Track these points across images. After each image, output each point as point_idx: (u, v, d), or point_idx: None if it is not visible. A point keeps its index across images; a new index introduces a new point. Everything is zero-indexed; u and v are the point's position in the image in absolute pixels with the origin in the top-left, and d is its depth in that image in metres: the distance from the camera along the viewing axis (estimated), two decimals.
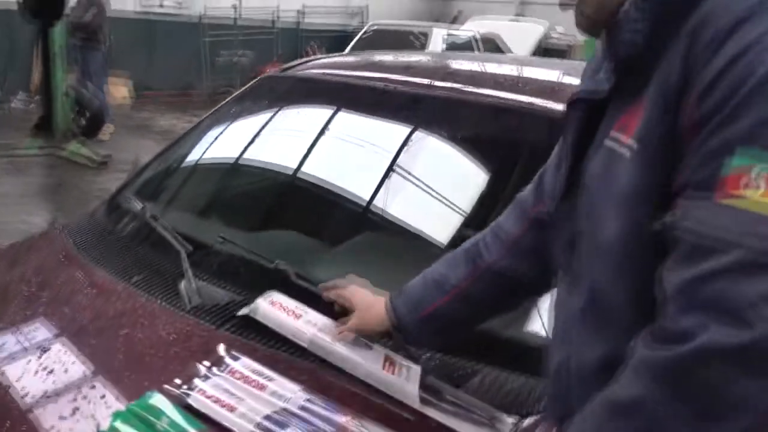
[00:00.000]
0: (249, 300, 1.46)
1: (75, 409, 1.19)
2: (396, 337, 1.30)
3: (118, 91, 9.45)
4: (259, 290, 1.48)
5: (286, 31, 12.46)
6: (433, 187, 1.82)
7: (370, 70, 2.17)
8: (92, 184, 5.98)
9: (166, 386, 1.22)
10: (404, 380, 1.25)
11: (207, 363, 1.28)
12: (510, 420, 1.19)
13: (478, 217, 1.63)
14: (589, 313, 0.88)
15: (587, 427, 0.79)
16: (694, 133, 0.74)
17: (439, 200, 1.77)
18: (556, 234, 0.99)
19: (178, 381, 1.23)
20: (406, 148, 1.87)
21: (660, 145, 0.78)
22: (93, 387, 1.25)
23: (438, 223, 1.70)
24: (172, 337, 1.38)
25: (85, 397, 1.22)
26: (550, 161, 1.15)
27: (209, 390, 1.20)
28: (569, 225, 0.92)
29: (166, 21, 10.89)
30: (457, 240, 1.58)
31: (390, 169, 1.81)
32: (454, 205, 1.77)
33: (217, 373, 1.26)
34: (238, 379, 1.24)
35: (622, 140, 0.83)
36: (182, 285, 1.54)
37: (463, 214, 1.73)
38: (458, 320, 1.26)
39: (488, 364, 1.34)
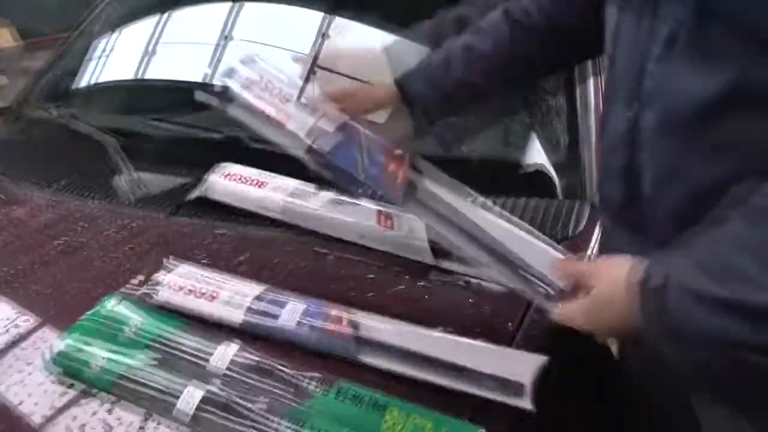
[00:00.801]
0: (201, 180, 1.23)
1: (12, 344, 0.94)
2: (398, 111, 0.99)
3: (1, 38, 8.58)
4: (211, 167, 1.24)
5: None
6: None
7: None
8: None
9: (125, 289, 0.99)
10: (408, 234, 1.04)
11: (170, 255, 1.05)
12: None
13: None
14: (686, 41, 0.65)
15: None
16: None
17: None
18: None
19: (139, 279, 1.00)
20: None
21: None
22: (33, 314, 1.01)
23: None
24: (122, 235, 1.14)
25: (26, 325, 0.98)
26: None
27: (180, 281, 0.97)
28: None
29: None
30: None
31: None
32: None
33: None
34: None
35: None
36: (121, 178, 1.29)
37: None
38: (493, 85, 0.99)
39: (497, 194, 1.14)
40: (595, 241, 1.04)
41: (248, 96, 0.96)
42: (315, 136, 0.92)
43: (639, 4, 0.70)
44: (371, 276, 1.01)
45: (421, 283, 0.98)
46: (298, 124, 0.93)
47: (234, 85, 0.97)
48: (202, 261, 1.05)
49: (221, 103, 0.97)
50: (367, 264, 1.03)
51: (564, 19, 0.92)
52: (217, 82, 0.99)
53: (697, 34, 0.63)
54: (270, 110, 0.95)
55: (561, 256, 0.84)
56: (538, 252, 0.85)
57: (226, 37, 1.69)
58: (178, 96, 1.65)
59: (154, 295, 0.95)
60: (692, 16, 0.63)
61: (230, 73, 0.99)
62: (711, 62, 0.63)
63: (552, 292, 0.81)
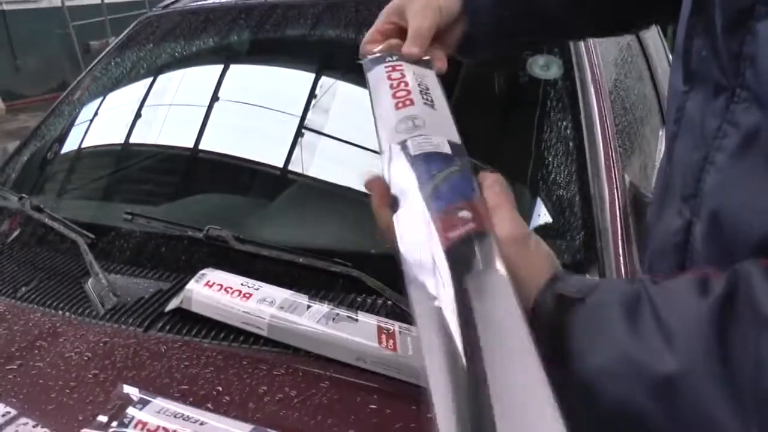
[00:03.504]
0: (180, 285, 1.10)
1: None
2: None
3: None
4: (191, 270, 1.11)
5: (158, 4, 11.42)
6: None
7: None
8: None
9: (86, 431, 0.84)
10: (414, 356, 0.91)
11: (139, 383, 0.91)
12: None
13: None
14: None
15: None
16: None
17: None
18: None
19: (103, 419, 0.86)
20: (331, 68, 1.51)
21: None
22: None
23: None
24: (86, 357, 1.00)
25: None
26: None
27: (151, 423, 0.83)
28: None
29: (21, 11, 9.69)
30: None
31: (311, 96, 1.44)
32: None
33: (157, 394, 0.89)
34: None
35: None
36: (89, 284, 1.15)
37: None
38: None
39: None
40: None
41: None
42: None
43: (714, 81, 0.54)
44: (373, 406, 0.88)
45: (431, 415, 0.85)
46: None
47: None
48: (180, 388, 0.92)
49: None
50: (368, 392, 0.90)
51: None
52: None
53: None
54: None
55: None
56: None
57: (227, 68, 1.62)
58: (162, 171, 1.54)
59: None
60: None
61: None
62: None
63: None
